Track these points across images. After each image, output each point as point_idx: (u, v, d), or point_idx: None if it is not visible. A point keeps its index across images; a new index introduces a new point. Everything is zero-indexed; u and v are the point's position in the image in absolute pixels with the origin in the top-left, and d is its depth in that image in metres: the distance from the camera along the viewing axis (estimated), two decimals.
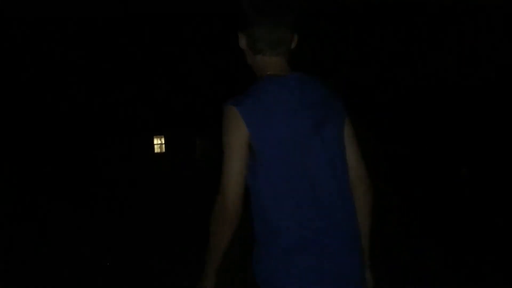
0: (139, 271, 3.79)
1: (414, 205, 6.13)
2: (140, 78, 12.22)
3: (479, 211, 5.57)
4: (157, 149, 15.80)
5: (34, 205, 6.64)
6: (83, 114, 11.18)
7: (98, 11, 10.30)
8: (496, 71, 8.17)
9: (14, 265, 3.93)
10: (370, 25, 8.88)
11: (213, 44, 9.67)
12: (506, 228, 4.74)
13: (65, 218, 5.88)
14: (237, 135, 1.34)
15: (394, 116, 8.99)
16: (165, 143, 15.68)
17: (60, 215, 6.05)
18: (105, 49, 11.18)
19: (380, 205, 5.55)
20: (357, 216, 1.47)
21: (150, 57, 11.81)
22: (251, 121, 1.34)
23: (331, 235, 1.37)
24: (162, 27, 11.22)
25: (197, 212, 6.15)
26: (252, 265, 1.41)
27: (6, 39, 9.65)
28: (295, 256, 1.35)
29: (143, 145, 14.86)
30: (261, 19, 1.39)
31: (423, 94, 8.95)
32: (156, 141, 15.77)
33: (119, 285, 3.49)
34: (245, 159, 1.35)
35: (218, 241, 1.39)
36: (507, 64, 7.99)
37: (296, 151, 1.37)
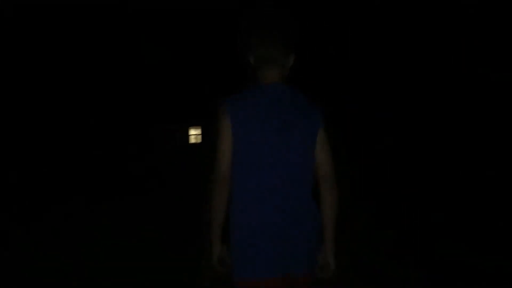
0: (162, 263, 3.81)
1: (414, 206, 6.12)
2: (178, 68, 12.15)
3: (484, 211, 5.56)
4: (193, 140, 15.77)
5: (65, 196, 6.59)
6: (119, 104, 11.10)
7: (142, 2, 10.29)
8: (498, 70, 8.17)
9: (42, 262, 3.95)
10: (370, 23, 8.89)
11: None
12: (506, 228, 4.75)
13: (93, 210, 5.87)
14: (224, 124, 1.70)
15: (394, 116, 8.99)
16: (202, 134, 15.58)
17: (92, 206, 6.01)
18: (143, 39, 11.13)
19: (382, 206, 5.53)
20: (321, 208, 1.77)
21: (189, 48, 11.76)
22: (233, 115, 1.69)
23: (286, 224, 1.69)
24: (200, 20, 11.23)
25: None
26: None
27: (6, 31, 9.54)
28: (252, 237, 1.68)
29: (179, 136, 14.85)
30: (258, 45, 1.73)
31: (424, 94, 8.95)
32: (192, 131, 15.74)
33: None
34: (231, 143, 1.70)
35: (216, 211, 1.71)
36: (508, 63, 8.00)
37: (263, 146, 1.69)
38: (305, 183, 1.73)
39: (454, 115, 8.49)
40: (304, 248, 1.73)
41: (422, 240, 4.51)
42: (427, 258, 3.99)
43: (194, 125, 15.32)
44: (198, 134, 15.56)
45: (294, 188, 1.71)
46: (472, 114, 8.30)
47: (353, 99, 8.89)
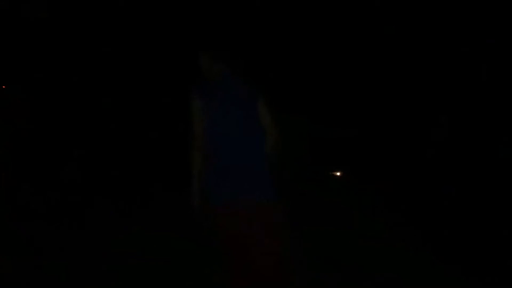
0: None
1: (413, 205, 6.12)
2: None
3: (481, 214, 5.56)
4: None
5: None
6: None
7: None
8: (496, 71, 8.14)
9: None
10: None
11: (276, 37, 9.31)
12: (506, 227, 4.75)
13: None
14: (197, 108, 2.52)
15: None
16: None
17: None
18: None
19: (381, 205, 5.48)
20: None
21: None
22: (203, 100, 2.51)
23: (247, 168, 2.49)
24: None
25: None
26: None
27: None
28: (225, 177, 2.48)
29: None
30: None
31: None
32: None
33: None
34: (204, 121, 2.51)
35: (196, 168, 2.54)
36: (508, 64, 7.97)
37: (227, 120, 2.47)
38: (259, 143, 2.54)
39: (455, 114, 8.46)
40: (261, 181, 2.51)
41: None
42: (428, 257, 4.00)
43: None
44: None
45: (251, 144, 2.50)
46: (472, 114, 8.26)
47: (353, 99, 8.87)
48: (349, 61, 9.14)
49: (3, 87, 9.58)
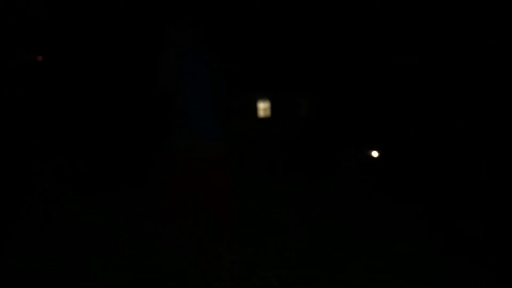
0: None
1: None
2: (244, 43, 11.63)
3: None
4: (261, 114, 14.86)
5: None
6: None
7: None
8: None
9: None
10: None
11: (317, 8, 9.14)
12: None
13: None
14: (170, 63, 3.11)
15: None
16: (271, 108, 14.66)
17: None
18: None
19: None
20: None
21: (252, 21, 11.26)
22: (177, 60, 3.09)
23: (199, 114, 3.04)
24: None
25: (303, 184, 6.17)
26: None
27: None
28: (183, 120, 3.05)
29: (247, 110, 14.28)
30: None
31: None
32: (261, 105, 14.84)
33: None
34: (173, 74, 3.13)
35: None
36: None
37: (189, 74, 3.11)
38: (208, 98, 3.06)
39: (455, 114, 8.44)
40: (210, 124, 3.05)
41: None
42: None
43: (263, 98, 14.58)
44: (267, 108, 14.62)
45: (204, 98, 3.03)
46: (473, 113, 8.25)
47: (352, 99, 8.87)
48: (351, 63, 9.15)
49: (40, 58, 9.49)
